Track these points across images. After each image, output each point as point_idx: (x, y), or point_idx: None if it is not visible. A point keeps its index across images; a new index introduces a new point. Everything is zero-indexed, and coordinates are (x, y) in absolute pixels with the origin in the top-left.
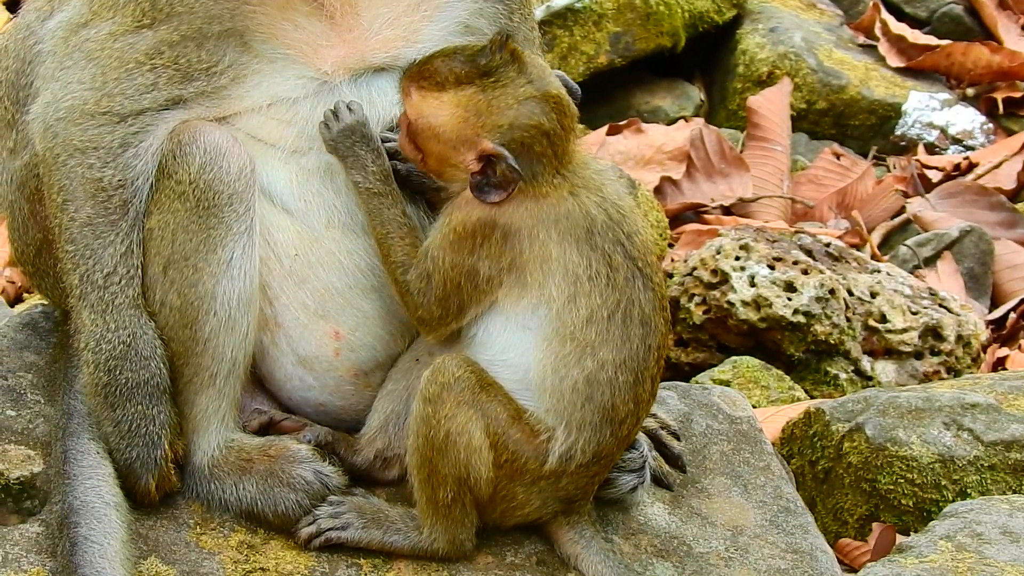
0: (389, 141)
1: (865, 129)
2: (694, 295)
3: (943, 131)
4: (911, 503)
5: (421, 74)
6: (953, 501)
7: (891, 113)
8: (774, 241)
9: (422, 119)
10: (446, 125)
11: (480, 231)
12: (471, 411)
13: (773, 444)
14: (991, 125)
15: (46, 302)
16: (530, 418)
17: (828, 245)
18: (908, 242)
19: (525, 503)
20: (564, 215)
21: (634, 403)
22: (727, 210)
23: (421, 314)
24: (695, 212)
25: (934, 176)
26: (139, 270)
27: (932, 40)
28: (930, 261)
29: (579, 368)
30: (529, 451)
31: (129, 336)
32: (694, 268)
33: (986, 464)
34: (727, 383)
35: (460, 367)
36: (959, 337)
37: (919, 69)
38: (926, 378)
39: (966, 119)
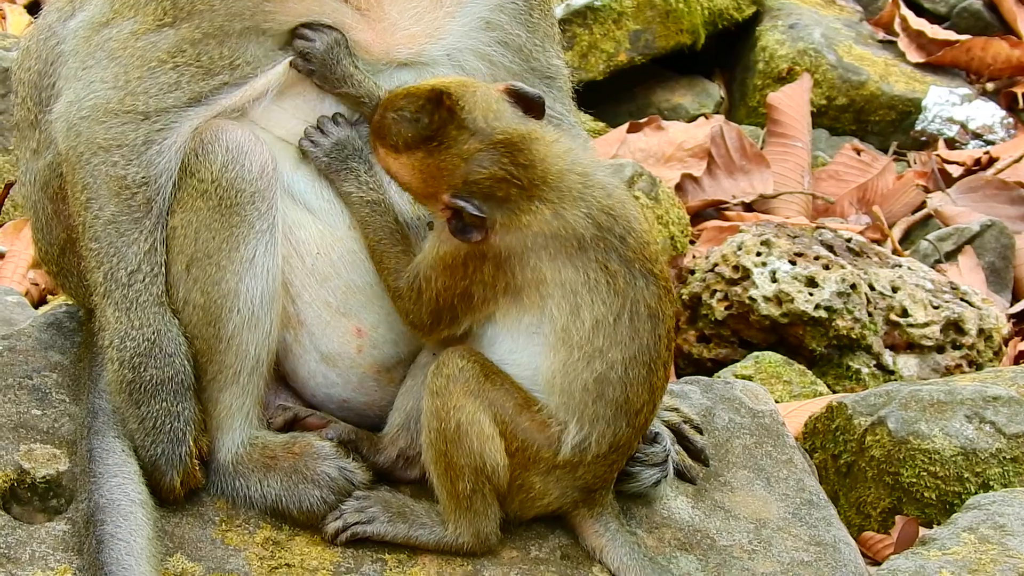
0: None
1: (885, 124)
2: (716, 291)
3: (963, 126)
4: (934, 496)
5: (379, 132)
6: (975, 493)
7: (911, 108)
8: (795, 237)
9: (391, 172)
10: (410, 183)
11: (470, 262)
12: (478, 401)
13: (796, 438)
14: (1011, 120)
15: (70, 302)
16: (541, 409)
17: (849, 240)
18: (929, 237)
19: (544, 493)
20: (551, 237)
21: (648, 393)
22: (748, 206)
23: (412, 319)
24: (716, 209)
25: (954, 171)
26: (163, 268)
27: (952, 35)
28: (951, 255)
29: (588, 371)
30: (541, 440)
31: (153, 333)
32: (715, 264)
33: (1008, 456)
34: (749, 378)
35: (464, 358)
36: (980, 331)
37: (939, 64)
38: (948, 372)
39: (986, 114)
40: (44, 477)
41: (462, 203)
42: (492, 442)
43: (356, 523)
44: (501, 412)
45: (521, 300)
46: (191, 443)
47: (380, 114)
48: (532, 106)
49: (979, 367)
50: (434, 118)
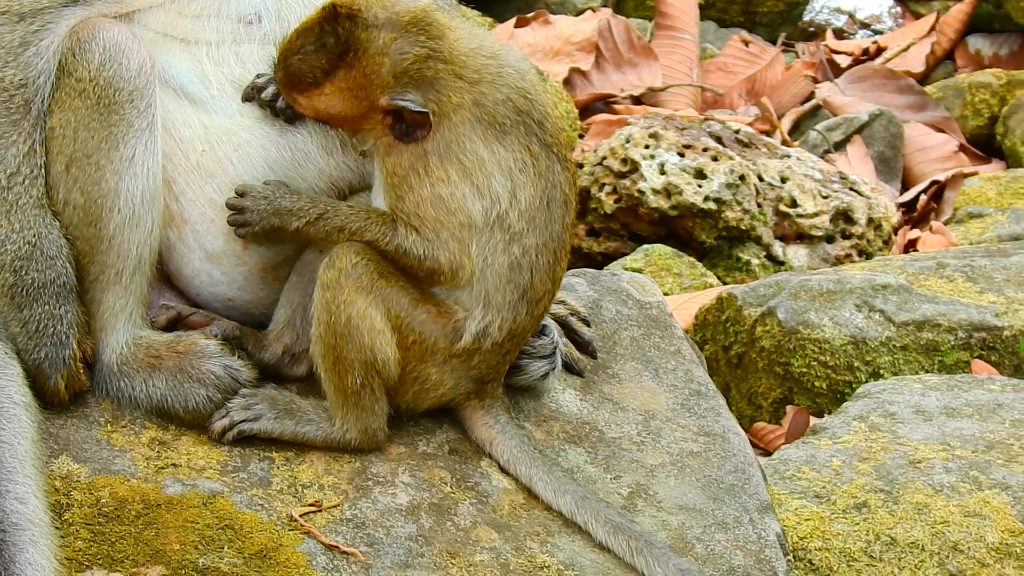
0: None
1: (773, 16)
2: (605, 184)
3: (851, 16)
4: (824, 385)
5: (291, 81)
6: (866, 382)
7: None
8: (683, 129)
9: (320, 112)
10: (343, 109)
11: (418, 163)
12: (370, 297)
13: (686, 331)
14: (899, 9)
15: None
16: (444, 299)
17: (738, 132)
18: (818, 127)
19: (439, 384)
20: (476, 121)
21: (552, 281)
22: (637, 100)
23: (430, 266)
24: (604, 103)
25: (843, 61)
26: (42, 170)
27: None
28: (840, 145)
29: (505, 255)
30: (437, 331)
31: (34, 236)
32: (604, 158)
33: (898, 344)
34: (640, 271)
35: (358, 254)
36: (870, 220)
37: None
38: (838, 261)
39: (874, 3)
40: None
41: (401, 102)
42: (383, 336)
43: (243, 421)
44: (396, 307)
45: (475, 184)
46: (75, 346)
47: (283, 66)
48: None
49: (869, 256)
50: (339, 32)
